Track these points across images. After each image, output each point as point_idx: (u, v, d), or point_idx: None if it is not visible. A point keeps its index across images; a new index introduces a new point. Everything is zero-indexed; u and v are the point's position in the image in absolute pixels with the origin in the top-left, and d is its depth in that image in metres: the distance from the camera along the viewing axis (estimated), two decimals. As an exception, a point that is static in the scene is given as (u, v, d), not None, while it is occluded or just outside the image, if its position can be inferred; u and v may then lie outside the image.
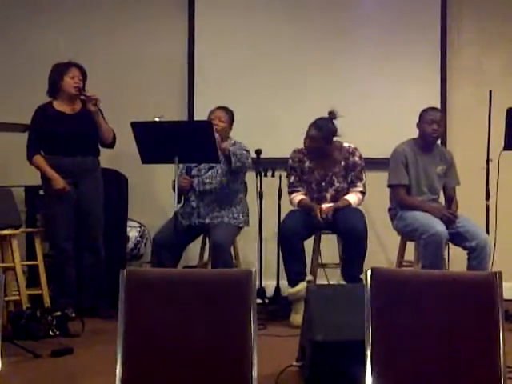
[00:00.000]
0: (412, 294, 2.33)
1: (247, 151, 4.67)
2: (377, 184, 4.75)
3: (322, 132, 4.54)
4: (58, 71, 4.63)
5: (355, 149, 4.66)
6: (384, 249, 5.28)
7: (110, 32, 5.58)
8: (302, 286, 4.40)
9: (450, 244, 4.49)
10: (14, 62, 5.52)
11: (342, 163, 4.63)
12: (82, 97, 4.60)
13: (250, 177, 4.90)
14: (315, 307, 3.08)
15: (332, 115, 4.57)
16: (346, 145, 4.67)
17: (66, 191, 4.58)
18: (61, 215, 4.61)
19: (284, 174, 5.02)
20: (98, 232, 4.73)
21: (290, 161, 4.72)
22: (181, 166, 4.56)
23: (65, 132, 4.60)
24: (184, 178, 4.64)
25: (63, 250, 4.65)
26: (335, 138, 4.63)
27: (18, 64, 5.51)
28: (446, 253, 4.46)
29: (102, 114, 4.69)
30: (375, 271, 2.35)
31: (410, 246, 4.61)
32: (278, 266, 4.96)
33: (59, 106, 4.68)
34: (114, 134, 4.69)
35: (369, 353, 2.26)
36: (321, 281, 4.74)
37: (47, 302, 4.63)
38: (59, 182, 4.58)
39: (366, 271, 2.35)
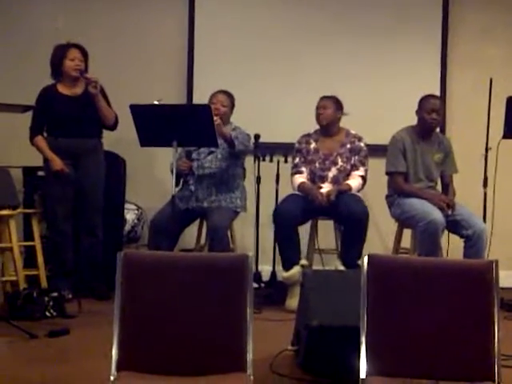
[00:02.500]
0: (408, 280, 2.34)
1: (248, 135, 4.67)
2: (374, 171, 4.76)
3: (333, 98, 4.66)
4: (59, 54, 4.61)
5: (361, 137, 4.74)
6: (381, 236, 5.29)
7: (111, 15, 5.56)
8: (296, 270, 4.42)
9: (447, 232, 4.51)
10: (14, 42, 5.49)
11: (348, 146, 4.69)
12: (83, 79, 4.59)
13: (248, 162, 4.90)
14: (311, 292, 3.09)
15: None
16: (352, 131, 4.75)
17: (64, 172, 4.57)
18: (59, 196, 4.61)
19: (282, 159, 5.04)
20: (97, 214, 4.73)
21: (297, 144, 4.78)
22: (180, 149, 4.55)
23: (66, 114, 4.59)
24: (184, 161, 4.64)
25: (61, 230, 4.66)
26: (342, 124, 4.69)
27: (19, 43, 5.49)
28: (443, 241, 4.47)
29: (107, 97, 4.67)
30: (372, 257, 2.36)
31: (407, 233, 4.62)
32: (274, 251, 4.97)
33: (62, 88, 4.67)
34: (117, 117, 4.67)
35: (364, 338, 2.28)
36: (317, 266, 4.75)
37: (44, 282, 4.65)
38: (57, 164, 4.57)
39: (363, 257, 2.36)
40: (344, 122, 4.76)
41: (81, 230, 4.73)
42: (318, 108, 4.68)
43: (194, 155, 4.72)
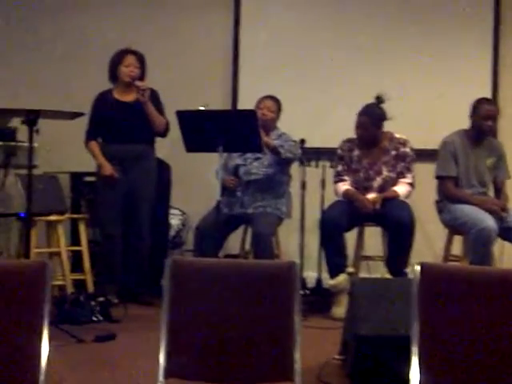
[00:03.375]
0: (461, 289, 2.28)
1: (294, 141, 4.64)
2: (423, 176, 4.67)
3: (371, 117, 4.49)
4: (115, 59, 4.65)
5: (406, 140, 4.59)
6: (430, 243, 5.20)
7: (156, 20, 5.59)
8: (342, 277, 4.37)
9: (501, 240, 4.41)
10: (63, 49, 5.57)
11: (392, 153, 4.57)
12: (134, 86, 4.60)
13: (294, 167, 4.87)
14: (359, 301, 3.04)
15: (379, 99, 4.51)
16: (397, 135, 4.61)
17: (114, 178, 4.60)
18: (109, 201, 4.64)
19: (328, 164, 4.98)
20: (145, 219, 4.74)
21: (339, 150, 4.68)
22: (225, 155, 4.53)
23: (117, 119, 4.63)
24: (231, 179, 4.62)
25: (110, 235, 4.68)
26: (386, 128, 4.58)
27: (67, 51, 5.56)
28: (495, 248, 4.37)
29: (160, 104, 4.68)
30: (424, 266, 2.30)
31: (457, 240, 4.52)
32: (319, 258, 4.92)
33: (117, 93, 4.71)
34: (168, 124, 4.66)
35: (415, 348, 2.22)
36: (363, 274, 4.69)
37: (90, 287, 4.69)
38: (107, 169, 4.61)
39: (414, 265, 2.30)
40: (391, 126, 4.65)
41: (129, 235, 4.75)
42: (356, 125, 4.54)
43: (240, 161, 4.71)
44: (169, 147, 5.01)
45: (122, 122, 4.62)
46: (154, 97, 4.64)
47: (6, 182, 4.39)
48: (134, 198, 4.68)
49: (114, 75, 4.67)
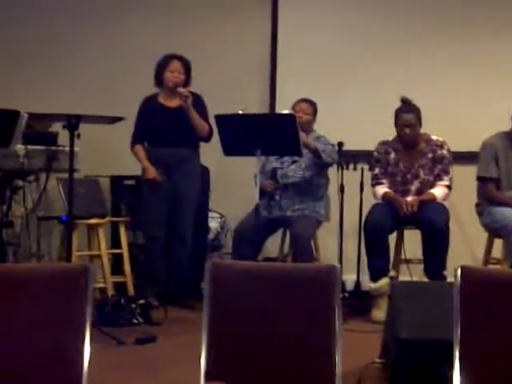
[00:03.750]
0: (502, 293, 2.25)
1: (333, 145, 4.63)
2: (462, 178, 4.62)
3: (415, 113, 4.46)
4: (161, 64, 4.70)
5: (444, 142, 4.55)
6: (469, 245, 5.13)
7: (195, 25, 5.62)
8: (384, 281, 4.35)
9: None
10: (109, 56, 5.64)
11: (430, 155, 4.53)
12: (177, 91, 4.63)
13: (332, 170, 4.85)
14: (399, 304, 3.02)
15: (406, 101, 4.48)
16: (433, 137, 4.57)
17: (157, 181, 4.64)
18: (153, 204, 4.69)
19: (366, 167, 4.95)
20: (188, 223, 4.77)
21: (376, 153, 4.65)
22: (263, 158, 4.53)
23: (162, 124, 4.68)
24: (270, 183, 4.62)
25: (154, 237, 4.73)
26: (423, 130, 4.54)
27: (117, 57, 5.63)
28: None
29: (204, 109, 4.71)
30: (464, 269, 2.28)
31: (498, 243, 4.46)
32: (358, 261, 4.90)
33: (163, 98, 4.76)
34: (211, 130, 4.67)
35: (457, 353, 2.20)
36: (403, 277, 4.66)
37: (131, 289, 4.73)
38: (150, 172, 4.66)
39: (455, 269, 2.28)
40: (429, 127, 4.61)
41: (172, 239, 4.79)
42: (399, 123, 4.48)
43: (277, 164, 4.71)
44: (207, 151, 5.03)
45: (166, 127, 4.66)
46: (198, 102, 4.68)
47: (48, 186, 4.46)
48: (177, 202, 4.72)
49: (159, 80, 4.72)
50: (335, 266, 2.31)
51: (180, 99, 4.58)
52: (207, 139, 4.73)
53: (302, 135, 4.30)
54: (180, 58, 4.69)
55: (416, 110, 4.48)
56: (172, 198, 4.71)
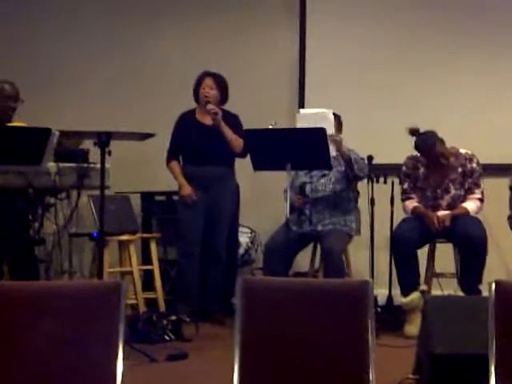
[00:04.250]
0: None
1: (363, 159, 4.60)
2: (494, 191, 4.57)
3: (435, 138, 4.40)
4: (196, 81, 4.76)
5: (472, 155, 4.51)
6: (503, 259, 5.07)
7: (221, 38, 5.65)
8: (415, 295, 4.31)
9: None
10: (132, 72, 5.69)
11: (459, 170, 4.49)
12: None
13: (362, 183, 4.82)
14: (433, 319, 2.99)
15: (414, 132, 4.42)
16: (462, 151, 4.53)
17: (192, 199, 4.68)
18: (189, 220, 4.72)
19: (396, 180, 4.91)
20: (222, 239, 4.79)
21: (404, 167, 4.63)
22: (292, 173, 4.51)
23: (198, 141, 4.72)
24: (298, 197, 4.60)
25: (189, 254, 4.74)
26: (454, 143, 4.51)
27: (137, 74, 5.68)
28: None
29: (239, 126, 4.72)
30: (499, 284, 2.24)
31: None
32: (390, 275, 4.86)
33: (199, 114, 4.81)
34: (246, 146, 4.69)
35: (493, 368, 2.16)
36: (435, 291, 4.60)
37: (162, 306, 4.74)
38: (185, 190, 4.69)
39: (490, 284, 2.24)
40: (460, 140, 4.57)
41: (207, 256, 4.80)
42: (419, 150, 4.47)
43: (307, 178, 4.70)
44: (237, 166, 5.04)
45: (202, 144, 4.70)
46: (235, 122, 4.72)
47: (79, 203, 4.49)
48: (212, 219, 4.75)
49: (196, 96, 4.77)
50: (368, 281, 2.30)
51: (210, 116, 4.60)
52: (242, 155, 4.73)
53: (337, 140, 4.26)
54: (212, 75, 4.73)
55: (429, 138, 4.39)
56: (208, 215, 4.74)
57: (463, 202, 4.47)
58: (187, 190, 4.68)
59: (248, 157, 4.20)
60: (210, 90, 4.70)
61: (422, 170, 4.57)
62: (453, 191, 4.49)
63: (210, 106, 4.61)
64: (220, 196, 4.73)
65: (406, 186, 4.61)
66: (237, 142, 4.68)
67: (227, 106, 4.87)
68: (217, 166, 4.72)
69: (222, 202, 4.75)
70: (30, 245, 4.36)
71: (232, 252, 5.13)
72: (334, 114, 4.66)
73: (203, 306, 4.78)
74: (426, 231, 4.38)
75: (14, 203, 4.15)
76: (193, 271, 4.74)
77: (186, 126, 4.79)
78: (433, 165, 4.48)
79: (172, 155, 4.80)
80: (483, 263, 4.27)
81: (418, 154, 4.57)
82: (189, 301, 4.70)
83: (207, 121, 4.75)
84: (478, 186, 4.46)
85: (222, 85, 4.74)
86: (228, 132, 4.65)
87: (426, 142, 4.39)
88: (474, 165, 4.47)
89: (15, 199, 4.16)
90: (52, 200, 4.53)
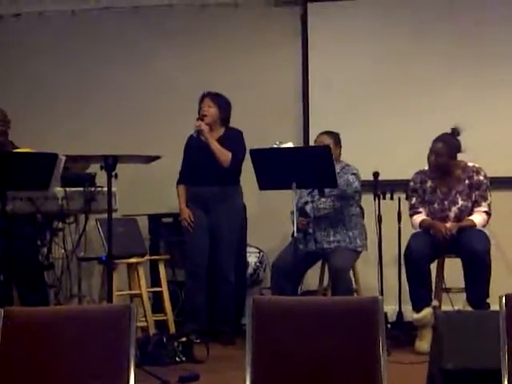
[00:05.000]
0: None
1: (355, 174, 4.58)
2: (503, 204, 4.57)
3: (447, 146, 4.44)
4: (198, 103, 4.80)
5: (480, 168, 4.51)
6: (511, 272, 5.05)
7: (225, 59, 5.68)
8: (427, 311, 4.30)
9: None
10: (135, 93, 5.72)
11: (466, 182, 4.49)
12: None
13: (368, 200, 4.82)
14: (444, 334, 2.97)
15: (456, 131, 4.47)
16: (469, 164, 4.54)
17: (189, 221, 4.70)
18: (194, 241, 4.73)
19: (403, 196, 4.91)
20: (230, 259, 4.79)
21: (412, 183, 4.64)
22: (298, 192, 4.51)
23: (199, 161, 4.74)
24: (301, 220, 4.57)
25: (194, 273, 4.75)
26: (459, 156, 4.51)
27: (139, 95, 5.71)
28: None
29: (235, 143, 4.73)
30: (509, 298, 2.24)
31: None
32: (399, 291, 4.85)
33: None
34: (233, 157, 4.69)
35: (506, 382, 2.16)
36: (445, 306, 4.59)
37: (172, 327, 4.73)
38: (183, 213, 4.75)
39: (500, 297, 2.24)
40: (467, 153, 4.55)
41: (214, 275, 4.80)
42: (431, 152, 4.48)
43: (309, 198, 4.70)
44: (242, 185, 5.05)
45: (202, 164, 4.72)
46: (234, 135, 4.76)
47: (87, 227, 4.51)
48: (218, 240, 4.76)
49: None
50: (378, 298, 2.30)
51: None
52: (232, 169, 4.72)
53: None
54: (210, 94, 4.77)
55: (450, 142, 4.45)
56: (213, 235, 4.75)
57: (470, 214, 4.46)
58: (184, 213, 4.74)
59: (254, 177, 4.20)
60: (208, 108, 4.74)
61: (429, 183, 4.58)
62: (460, 202, 4.49)
63: (196, 123, 4.66)
64: (223, 215, 4.74)
65: (413, 201, 4.61)
66: (222, 156, 4.68)
67: (230, 125, 4.90)
68: (219, 185, 4.73)
69: (226, 222, 4.75)
70: (39, 270, 4.38)
71: (240, 272, 5.13)
72: (329, 132, 4.69)
73: (213, 327, 4.76)
74: (436, 245, 4.37)
75: (23, 229, 4.17)
76: (200, 292, 4.74)
77: (190, 147, 4.83)
78: (437, 169, 4.48)
79: (181, 179, 4.85)
80: (488, 277, 4.25)
81: (426, 168, 4.58)
82: (197, 321, 4.69)
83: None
84: (485, 198, 4.46)
85: (221, 103, 4.77)
86: (214, 146, 4.67)
87: (444, 137, 4.45)
88: (481, 177, 4.47)
89: (24, 225, 4.18)
90: (60, 225, 4.55)
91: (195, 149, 4.77)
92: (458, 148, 4.47)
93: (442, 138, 4.46)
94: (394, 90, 5.41)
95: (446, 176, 4.52)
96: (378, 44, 5.47)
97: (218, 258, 4.77)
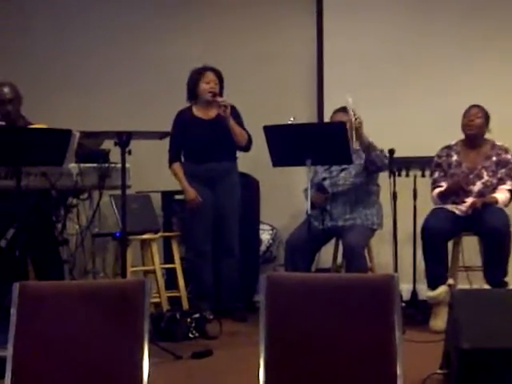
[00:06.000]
0: None
1: (381, 151, 4.56)
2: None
3: (483, 110, 4.46)
4: (195, 77, 4.69)
5: (508, 148, 4.52)
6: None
7: (238, 34, 5.63)
8: (442, 289, 4.28)
9: None
10: (149, 70, 5.69)
11: (494, 159, 4.48)
12: (215, 102, 4.65)
13: (383, 177, 4.78)
14: (460, 313, 2.94)
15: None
16: (498, 143, 4.53)
17: (198, 202, 4.65)
18: (198, 219, 4.69)
19: (419, 173, 4.89)
20: (234, 235, 4.77)
21: (436, 157, 4.63)
22: (312, 169, 4.48)
23: (201, 139, 4.68)
24: (318, 196, 4.54)
25: (201, 252, 4.72)
26: (487, 136, 4.51)
27: (154, 71, 5.68)
28: None
29: (240, 118, 4.71)
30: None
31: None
32: (414, 269, 4.82)
33: (197, 111, 4.75)
34: (250, 138, 4.70)
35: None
36: (462, 284, 4.56)
37: (185, 304, 4.74)
38: (190, 194, 4.67)
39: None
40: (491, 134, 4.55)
41: (219, 252, 4.78)
42: (467, 116, 4.48)
43: (326, 174, 4.67)
44: (256, 163, 5.03)
45: (204, 140, 4.67)
46: (234, 113, 4.67)
47: (101, 204, 4.50)
48: (222, 216, 4.72)
49: (193, 93, 4.71)
50: (393, 276, 2.28)
51: (219, 109, 4.57)
52: (247, 148, 4.73)
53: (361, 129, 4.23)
54: (213, 70, 4.69)
55: (484, 108, 4.49)
56: (216, 211, 4.71)
57: (494, 190, 4.43)
58: (192, 194, 4.65)
59: (268, 153, 4.17)
60: (214, 84, 4.65)
61: (455, 157, 4.56)
62: (485, 177, 4.46)
63: (221, 99, 4.58)
64: (227, 191, 4.71)
65: (436, 175, 4.59)
66: (241, 136, 4.66)
67: (243, 101, 4.85)
68: (220, 161, 4.69)
69: (230, 197, 4.72)
70: (54, 245, 4.39)
71: (253, 249, 5.12)
72: (345, 108, 4.64)
73: (223, 304, 4.77)
74: (454, 222, 4.34)
75: (38, 204, 4.17)
76: (208, 270, 4.73)
77: (185, 123, 4.72)
78: (465, 135, 4.52)
79: (174, 156, 4.74)
80: (507, 255, 4.24)
81: (452, 143, 4.57)
82: (207, 298, 4.69)
83: (208, 116, 4.72)
84: (510, 177, 4.44)
85: (221, 79, 4.71)
86: (235, 125, 4.63)
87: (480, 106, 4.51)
88: (509, 156, 4.47)
89: (38, 200, 4.18)
90: (74, 201, 4.54)
91: (191, 126, 4.70)
92: (489, 118, 4.49)
93: (476, 105, 4.48)
94: (410, 67, 5.34)
95: (473, 150, 4.50)
96: (395, 19, 5.39)
97: (224, 234, 4.74)
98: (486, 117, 4.49)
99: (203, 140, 4.68)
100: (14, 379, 2.11)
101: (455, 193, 4.45)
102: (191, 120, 4.72)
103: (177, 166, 4.74)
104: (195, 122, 4.71)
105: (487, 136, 4.55)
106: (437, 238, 4.31)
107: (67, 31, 5.78)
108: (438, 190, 4.52)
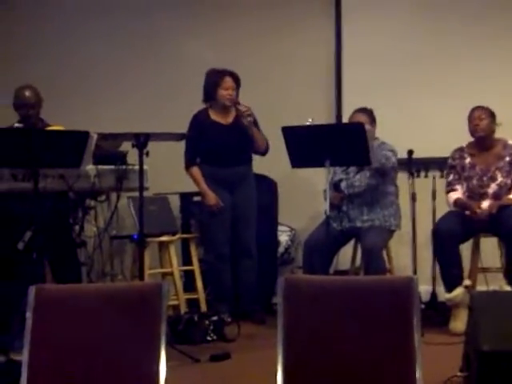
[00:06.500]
0: None
1: (392, 151, 4.52)
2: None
3: (487, 110, 4.43)
4: (213, 81, 4.64)
5: None
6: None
7: (256, 36, 5.62)
8: (459, 291, 4.25)
9: None
10: (165, 72, 5.70)
11: (507, 159, 4.44)
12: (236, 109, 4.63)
13: (402, 178, 4.75)
14: (480, 314, 2.91)
15: None
16: (510, 142, 4.48)
17: (219, 207, 4.64)
18: (217, 221, 4.68)
19: (438, 174, 4.85)
20: (252, 236, 4.77)
21: (450, 159, 4.59)
22: (332, 169, 4.46)
23: (220, 143, 4.67)
24: (335, 196, 4.52)
25: (220, 254, 4.71)
26: (498, 135, 4.46)
27: (169, 73, 5.68)
28: None
29: (257, 123, 4.70)
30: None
31: None
32: (433, 271, 4.79)
33: (215, 115, 4.73)
34: (267, 143, 4.70)
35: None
36: (481, 286, 4.52)
37: (203, 306, 4.73)
38: (210, 198, 4.65)
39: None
40: (503, 133, 4.50)
41: (237, 254, 4.78)
42: (471, 120, 4.46)
43: (342, 175, 4.65)
44: (274, 164, 5.01)
45: (222, 144, 4.66)
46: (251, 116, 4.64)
47: (119, 205, 4.51)
48: (239, 218, 4.73)
49: (210, 96, 4.68)
50: (412, 278, 2.25)
51: (241, 117, 4.55)
52: (265, 152, 4.74)
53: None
54: (232, 74, 4.64)
55: (488, 108, 4.44)
56: (234, 214, 4.71)
57: (509, 192, 4.39)
58: (213, 199, 4.63)
59: (286, 155, 4.16)
60: (232, 91, 4.61)
61: (468, 159, 4.53)
62: (499, 179, 4.43)
63: (244, 108, 4.55)
64: (244, 194, 4.71)
65: (450, 178, 4.56)
66: (261, 141, 4.67)
67: (261, 102, 4.84)
68: (238, 165, 4.70)
69: (247, 200, 4.73)
70: (72, 247, 4.40)
71: (271, 251, 5.11)
72: (365, 108, 4.62)
73: (242, 306, 4.76)
74: (469, 224, 4.30)
75: (55, 206, 4.18)
76: (227, 273, 4.73)
77: (202, 126, 4.69)
78: (473, 138, 4.47)
79: (191, 160, 4.72)
80: None
81: (464, 145, 4.53)
82: (226, 301, 4.68)
83: (225, 121, 4.70)
84: None
85: (239, 83, 4.68)
86: (256, 132, 4.63)
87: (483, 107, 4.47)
88: None
89: (56, 202, 4.19)
90: (92, 203, 4.55)
91: (209, 129, 4.67)
92: (495, 116, 4.44)
93: (478, 106, 4.45)
94: (429, 67, 5.30)
95: (485, 151, 4.47)
96: (413, 19, 5.35)
97: (242, 237, 4.74)
98: (491, 115, 4.43)
99: (222, 145, 4.67)
100: (30, 384, 2.11)
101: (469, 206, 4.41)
102: (209, 124, 4.71)
103: (195, 169, 4.72)
104: (213, 126, 4.70)
105: (498, 134, 4.49)
106: (448, 241, 4.28)
107: (84, 37, 5.81)
108: (454, 197, 4.49)
